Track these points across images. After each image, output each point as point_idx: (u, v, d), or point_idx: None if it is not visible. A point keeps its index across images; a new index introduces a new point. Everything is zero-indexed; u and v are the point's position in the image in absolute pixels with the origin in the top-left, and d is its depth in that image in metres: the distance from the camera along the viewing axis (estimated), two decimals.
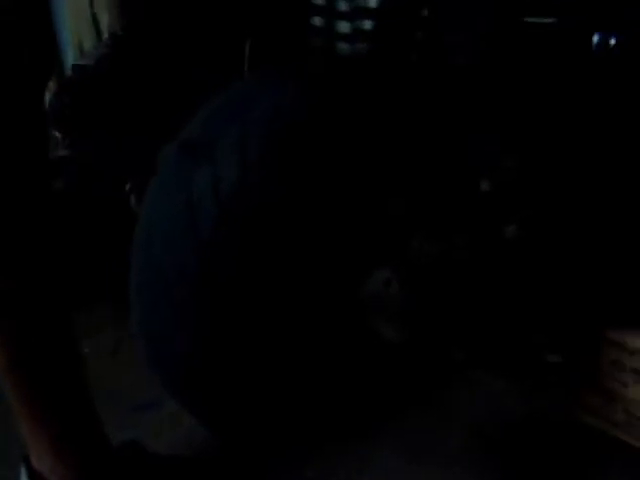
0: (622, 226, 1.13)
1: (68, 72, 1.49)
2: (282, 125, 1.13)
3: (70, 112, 1.46)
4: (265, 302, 1.16)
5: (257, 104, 1.13)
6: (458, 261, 1.18)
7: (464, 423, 1.40)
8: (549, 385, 1.22)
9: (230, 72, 1.33)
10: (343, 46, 1.26)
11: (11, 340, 1.00)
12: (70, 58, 1.56)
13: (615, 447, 1.21)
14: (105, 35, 1.50)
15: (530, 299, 1.15)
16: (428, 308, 1.21)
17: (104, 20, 1.58)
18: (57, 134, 1.64)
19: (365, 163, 1.18)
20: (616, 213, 1.14)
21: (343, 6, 1.28)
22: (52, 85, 1.47)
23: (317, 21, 1.31)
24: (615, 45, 1.14)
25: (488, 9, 1.21)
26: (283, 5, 1.34)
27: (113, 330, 1.76)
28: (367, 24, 1.25)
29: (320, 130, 1.16)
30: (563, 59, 1.19)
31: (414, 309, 1.21)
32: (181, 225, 1.12)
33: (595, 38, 1.16)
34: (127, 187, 1.64)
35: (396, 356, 1.29)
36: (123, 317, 1.70)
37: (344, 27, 1.29)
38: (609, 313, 1.13)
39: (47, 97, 1.46)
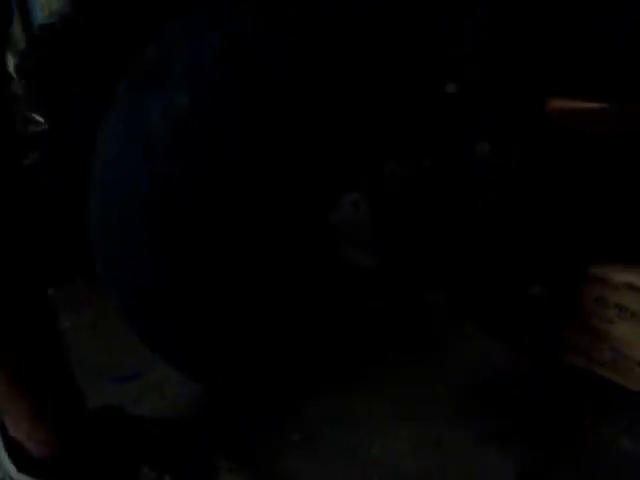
0: (611, 160, 1.10)
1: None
2: (233, 50, 1.10)
3: (38, 71, 1.42)
4: (227, 231, 1.12)
5: (208, 32, 1.10)
6: (428, 185, 1.15)
7: (455, 371, 1.40)
8: (531, 321, 1.20)
9: None
10: None
11: None
12: (39, 19, 1.53)
13: (602, 387, 1.21)
14: None
15: (509, 230, 1.13)
16: (398, 232, 1.17)
17: None
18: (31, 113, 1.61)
19: (329, 85, 1.14)
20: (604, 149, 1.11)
21: None
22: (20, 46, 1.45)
23: None
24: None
25: None
26: None
27: (93, 304, 1.74)
28: None
29: (274, 54, 1.12)
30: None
31: (383, 232, 1.17)
32: (135, 156, 1.09)
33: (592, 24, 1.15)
34: None
35: (370, 284, 1.25)
36: (102, 291, 1.70)
37: None
38: (592, 248, 1.11)
39: (13, 59, 1.43)
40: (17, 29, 1.70)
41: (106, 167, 1.17)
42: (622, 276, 1.08)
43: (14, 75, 1.46)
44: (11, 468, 1.10)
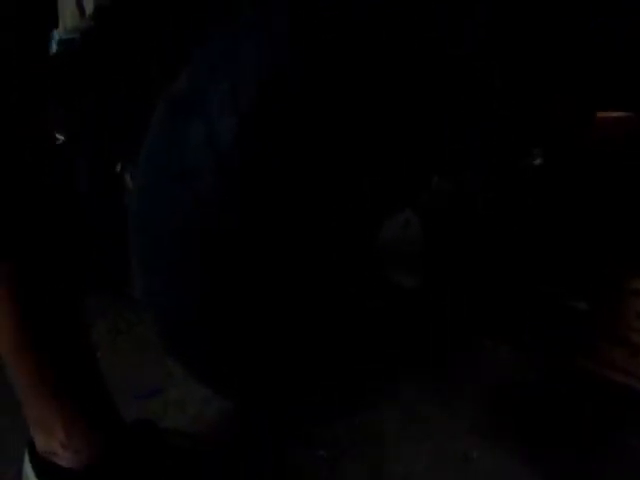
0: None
1: (54, 50, 1.45)
2: (273, 70, 1.08)
3: (56, 86, 1.42)
4: (274, 252, 1.11)
5: (244, 51, 1.08)
6: (474, 200, 1.14)
7: (474, 388, 1.38)
8: (567, 339, 1.19)
9: None
10: None
11: (18, 323, 0.97)
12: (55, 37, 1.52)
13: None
14: (89, 12, 1.46)
15: (552, 243, 1.12)
16: (446, 249, 1.16)
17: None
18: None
19: (371, 104, 1.13)
20: None
21: None
22: None
23: None
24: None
25: None
26: None
27: (110, 318, 1.73)
28: None
29: (317, 70, 1.10)
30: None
31: (433, 250, 1.16)
32: (179, 187, 1.07)
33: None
34: (118, 168, 1.61)
35: (409, 304, 1.24)
36: (121, 306, 1.70)
37: None
38: (633, 262, 1.10)
39: None
40: None
41: (149, 201, 1.16)
42: None
43: None
44: None
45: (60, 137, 1.60)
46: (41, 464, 1.08)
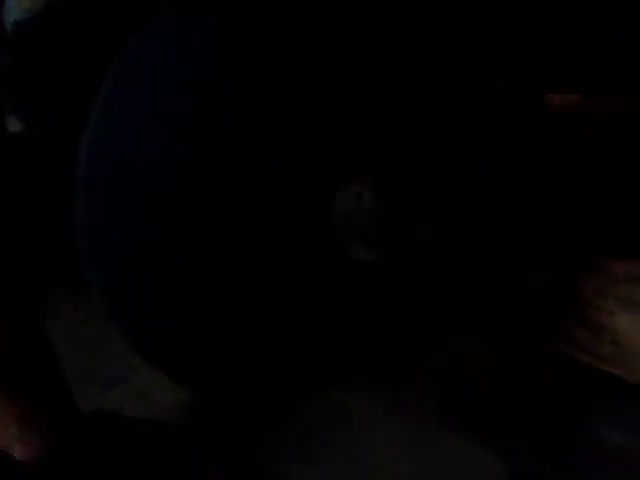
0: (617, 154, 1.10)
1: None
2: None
3: (13, 70, 1.38)
4: (228, 228, 1.10)
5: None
6: (434, 173, 1.13)
7: (445, 370, 1.38)
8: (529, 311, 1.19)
9: None
10: None
11: None
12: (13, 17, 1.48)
13: (603, 381, 1.20)
14: None
15: (512, 220, 1.12)
16: (402, 222, 1.15)
17: None
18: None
19: (335, 84, 1.13)
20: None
21: None
22: None
23: None
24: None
25: None
26: None
27: (75, 311, 1.70)
28: None
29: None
30: None
31: (389, 223, 1.14)
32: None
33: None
34: None
35: (368, 279, 1.22)
36: (84, 298, 1.67)
37: None
38: (593, 239, 1.10)
39: None
40: None
41: (95, 165, 1.14)
42: (622, 267, 1.08)
43: None
44: None
45: (17, 125, 1.56)
46: None
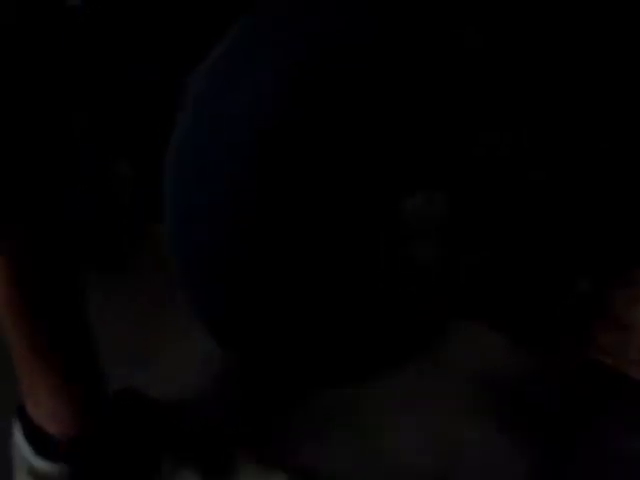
0: None
1: None
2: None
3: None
4: (293, 218, 1.12)
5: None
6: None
7: (462, 367, 1.40)
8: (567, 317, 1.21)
9: None
10: None
11: (12, 261, 0.95)
12: None
13: (630, 385, 1.22)
14: None
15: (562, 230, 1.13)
16: (472, 227, 1.17)
17: None
18: None
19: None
20: None
21: None
22: None
23: None
24: None
25: None
26: None
27: (99, 290, 1.70)
28: None
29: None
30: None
31: (458, 228, 1.16)
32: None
33: None
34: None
35: (428, 281, 1.25)
36: (105, 280, 1.69)
37: None
38: (627, 248, 1.12)
39: None
40: None
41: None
42: None
43: None
44: (27, 451, 1.08)
45: None
46: (31, 429, 1.08)
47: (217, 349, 1.32)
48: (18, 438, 1.09)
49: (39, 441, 1.07)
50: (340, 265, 1.15)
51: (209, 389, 1.43)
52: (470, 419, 1.29)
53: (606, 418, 1.25)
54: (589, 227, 1.13)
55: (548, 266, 1.17)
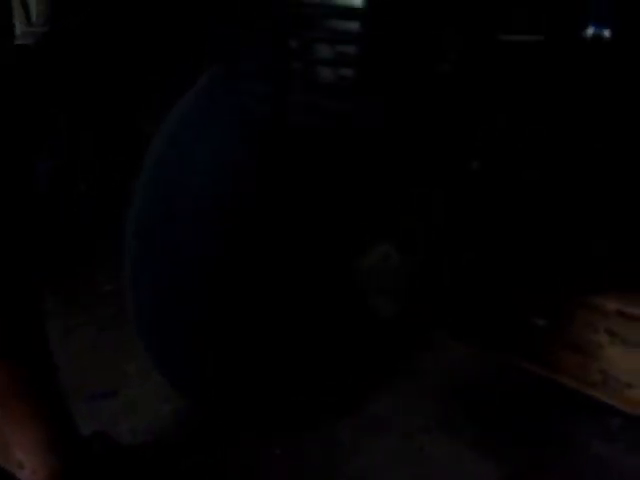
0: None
1: None
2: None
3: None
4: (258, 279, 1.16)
5: None
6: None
7: (429, 381, 1.43)
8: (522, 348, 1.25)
9: None
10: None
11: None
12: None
13: (589, 405, 1.25)
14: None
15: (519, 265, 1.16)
16: (424, 281, 1.20)
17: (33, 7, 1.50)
18: None
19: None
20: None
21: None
22: None
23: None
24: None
25: None
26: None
27: (62, 318, 1.69)
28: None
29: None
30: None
31: (412, 283, 1.20)
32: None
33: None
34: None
35: (386, 330, 1.29)
36: (72, 306, 1.67)
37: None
38: (584, 277, 1.15)
39: None
40: None
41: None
42: (612, 304, 1.13)
43: None
44: None
45: None
46: (3, 476, 1.06)
47: None
48: None
49: None
50: (303, 319, 1.19)
51: (172, 418, 1.41)
52: (439, 437, 1.31)
53: (574, 428, 1.28)
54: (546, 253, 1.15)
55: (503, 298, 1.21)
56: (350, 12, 0.96)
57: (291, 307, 1.22)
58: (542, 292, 1.16)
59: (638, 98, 1.04)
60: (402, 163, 1.11)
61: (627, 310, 1.10)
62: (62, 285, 1.77)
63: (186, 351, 1.23)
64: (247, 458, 1.30)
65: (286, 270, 1.18)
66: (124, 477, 1.13)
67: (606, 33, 1.01)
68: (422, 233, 1.14)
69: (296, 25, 1.00)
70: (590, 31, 1.02)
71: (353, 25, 0.96)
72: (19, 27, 1.41)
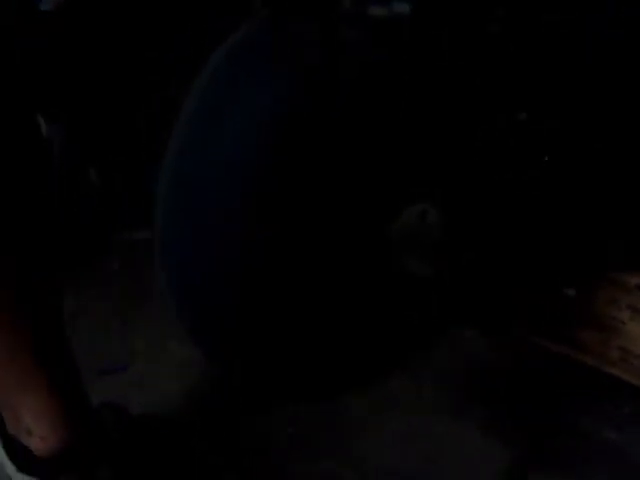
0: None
1: None
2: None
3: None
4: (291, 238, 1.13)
5: None
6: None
7: (440, 366, 1.41)
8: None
9: None
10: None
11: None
12: None
13: (610, 384, 1.25)
14: None
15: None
16: (462, 241, 1.18)
17: None
18: None
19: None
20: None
21: None
22: None
23: None
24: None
25: None
26: None
27: (72, 295, 1.68)
28: None
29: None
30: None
31: (450, 241, 1.17)
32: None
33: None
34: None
35: (420, 293, 1.26)
36: (81, 284, 1.66)
37: None
38: (606, 250, 1.14)
39: None
40: None
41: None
42: (635, 279, 1.13)
43: None
44: (10, 468, 1.06)
45: None
46: (12, 445, 1.06)
47: (193, 355, 1.33)
48: (1, 455, 1.06)
49: (21, 457, 1.05)
50: (335, 280, 1.16)
51: (183, 395, 1.41)
52: (448, 419, 1.31)
53: (585, 413, 1.28)
54: (576, 227, 1.14)
55: (535, 269, 1.19)
56: None
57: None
58: (570, 265, 1.15)
59: None
60: (450, 110, 1.10)
61: None
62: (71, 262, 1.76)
63: (229, 312, 1.19)
64: (258, 435, 1.30)
65: (324, 228, 1.16)
66: (135, 446, 1.13)
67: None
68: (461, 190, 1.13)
69: None
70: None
71: None
72: None
